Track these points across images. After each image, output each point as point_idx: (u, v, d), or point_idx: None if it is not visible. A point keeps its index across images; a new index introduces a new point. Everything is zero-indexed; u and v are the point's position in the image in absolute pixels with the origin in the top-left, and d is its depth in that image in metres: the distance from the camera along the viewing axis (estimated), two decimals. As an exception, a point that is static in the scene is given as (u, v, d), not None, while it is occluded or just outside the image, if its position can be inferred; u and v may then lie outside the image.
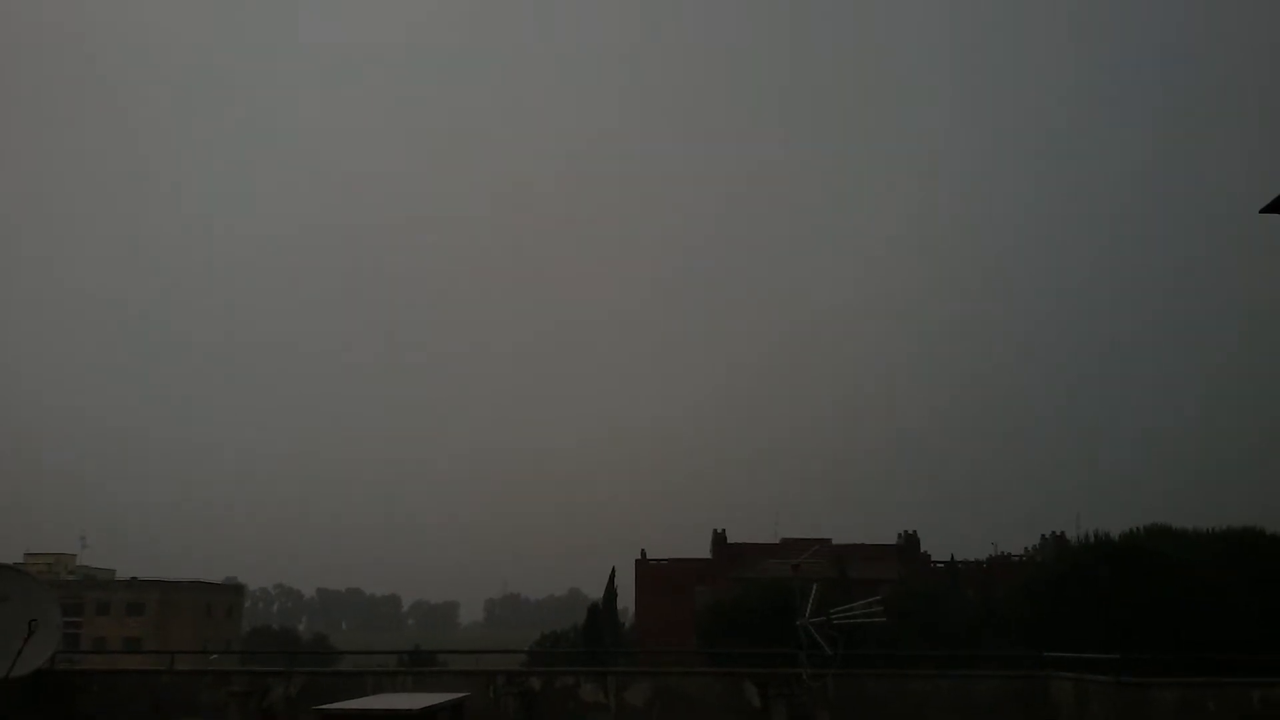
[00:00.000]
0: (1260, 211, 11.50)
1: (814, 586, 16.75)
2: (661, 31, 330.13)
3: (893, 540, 74.31)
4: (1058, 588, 33.27)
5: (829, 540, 68.19)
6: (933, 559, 72.11)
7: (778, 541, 70.49)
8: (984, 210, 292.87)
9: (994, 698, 16.05)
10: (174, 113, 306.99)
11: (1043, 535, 74.15)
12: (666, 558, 74.54)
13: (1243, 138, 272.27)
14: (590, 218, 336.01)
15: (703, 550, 74.57)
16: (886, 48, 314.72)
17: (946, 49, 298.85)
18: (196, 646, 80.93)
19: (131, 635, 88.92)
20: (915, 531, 73.99)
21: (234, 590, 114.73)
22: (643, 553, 74.27)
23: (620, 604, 72.23)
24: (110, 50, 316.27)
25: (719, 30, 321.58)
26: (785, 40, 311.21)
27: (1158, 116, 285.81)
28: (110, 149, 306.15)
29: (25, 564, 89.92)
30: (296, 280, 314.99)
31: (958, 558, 69.87)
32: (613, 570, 69.25)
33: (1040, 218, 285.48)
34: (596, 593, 70.10)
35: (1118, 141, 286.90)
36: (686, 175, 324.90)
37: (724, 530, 74.08)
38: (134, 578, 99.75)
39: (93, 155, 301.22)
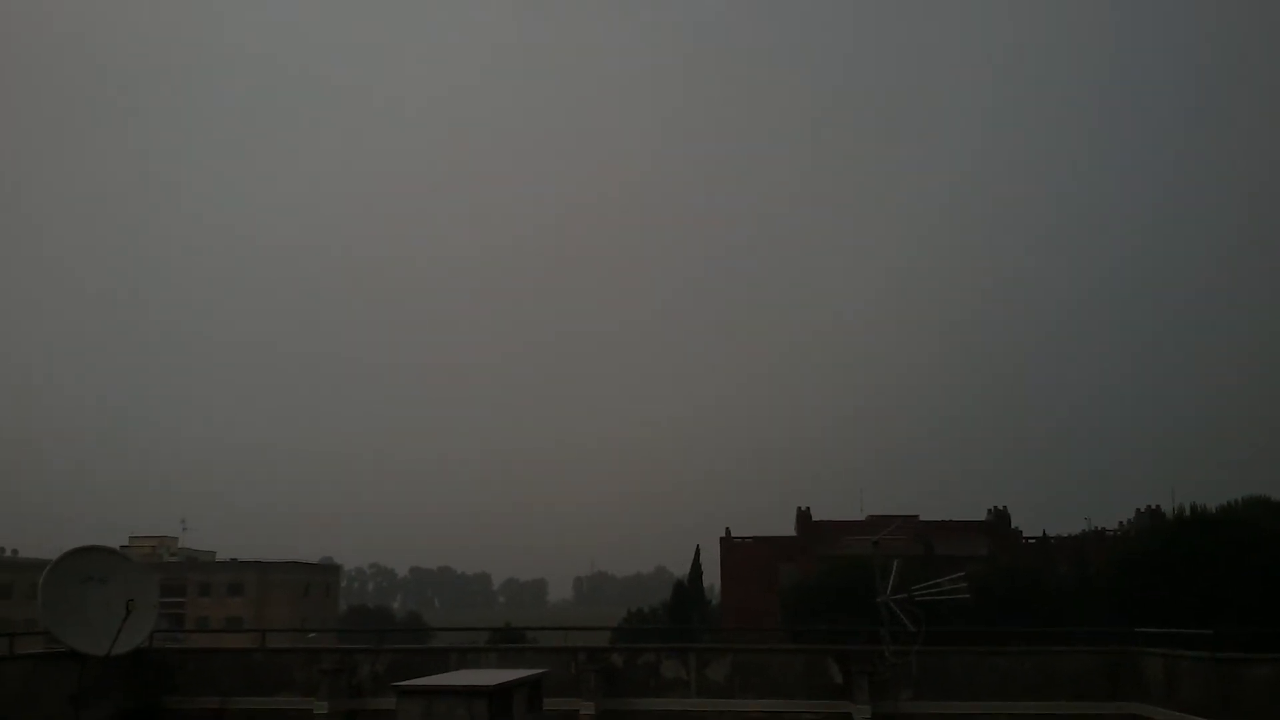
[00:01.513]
0: None
1: (894, 563, 16.55)
2: (696, 39, 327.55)
3: (982, 516, 73.17)
4: (1153, 562, 32.51)
5: (916, 517, 67.39)
6: (1024, 535, 70.86)
7: (863, 519, 69.86)
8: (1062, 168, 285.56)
9: (1081, 674, 15.74)
10: (191, 114, 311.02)
11: (1138, 509, 72.21)
12: (751, 536, 74.36)
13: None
14: (650, 213, 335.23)
15: (788, 528, 74.28)
16: (917, 54, 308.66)
17: (978, 56, 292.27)
18: (295, 625, 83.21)
19: (232, 615, 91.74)
20: (1005, 507, 72.71)
21: (330, 570, 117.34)
22: (727, 531, 74.22)
23: (706, 581, 72.34)
24: (114, 51, 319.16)
25: (752, 36, 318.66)
26: (817, 48, 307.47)
27: (1185, 114, 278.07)
28: (127, 153, 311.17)
29: (130, 547, 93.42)
30: (352, 280, 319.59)
31: (1050, 533, 68.57)
32: (697, 549, 69.36)
33: (1102, 185, 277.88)
34: (682, 570, 70.30)
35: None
36: (736, 163, 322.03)
37: (808, 508, 73.64)
38: (233, 559, 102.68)
39: (108, 160, 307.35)
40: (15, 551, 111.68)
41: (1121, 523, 74.37)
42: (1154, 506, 65.31)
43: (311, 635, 59.89)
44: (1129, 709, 15.19)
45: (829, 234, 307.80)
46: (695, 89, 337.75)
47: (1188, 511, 36.00)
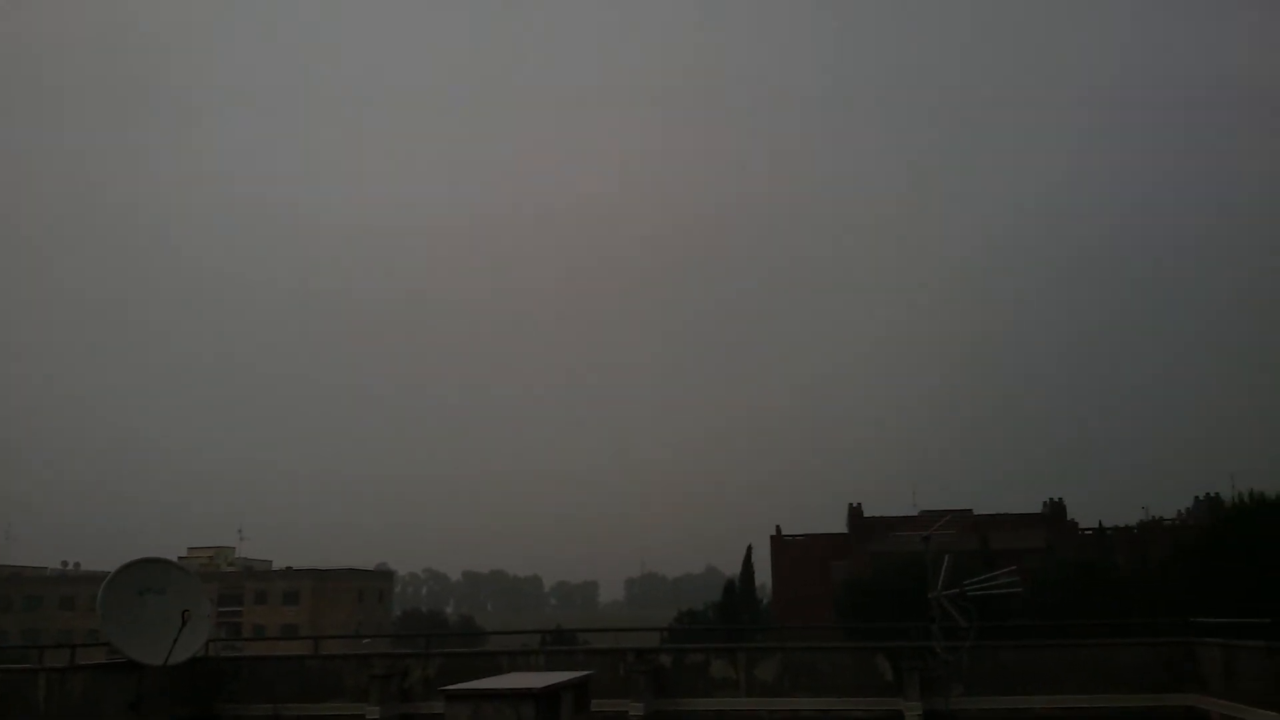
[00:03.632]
0: None
1: (945, 558, 16.42)
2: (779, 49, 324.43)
3: (1038, 509, 72.37)
4: (1211, 551, 31.93)
5: (970, 511, 66.80)
6: (1081, 526, 69.98)
7: (916, 514, 69.34)
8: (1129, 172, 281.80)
9: (1138, 666, 15.51)
10: (189, 108, 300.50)
11: (1196, 497, 71.22)
12: (802, 534, 74.10)
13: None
14: (704, 213, 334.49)
15: (839, 525, 73.93)
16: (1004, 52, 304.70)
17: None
18: (349, 631, 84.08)
19: (288, 622, 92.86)
20: (1061, 499, 71.92)
21: (384, 576, 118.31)
22: (778, 529, 74.00)
23: (758, 580, 72.16)
24: (133, 59, 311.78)
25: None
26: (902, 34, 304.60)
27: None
28: (115, 145, 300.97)
29: (188, 557, 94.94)
30: (450, 275, 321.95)
31: (1106, 524, 67.65)
32: (749, 548, 69.10)
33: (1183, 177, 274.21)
34: (733, 570, 70.13)
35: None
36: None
37: (859, 504, 73.25)
38: (289, 567, 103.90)
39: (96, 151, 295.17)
40: (78, 565, 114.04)
41: (1180, 512, 73.37)
42: (1213, 494, 64.24)
43: (366, 641, 60.53)
44: (1188, 700, 14.96)
45: (875, 240, 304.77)
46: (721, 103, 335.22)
47: (1247, 498, 35.28)
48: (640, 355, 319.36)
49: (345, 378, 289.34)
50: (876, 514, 72.53)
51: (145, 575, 16.10)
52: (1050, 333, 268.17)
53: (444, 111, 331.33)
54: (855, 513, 73.10)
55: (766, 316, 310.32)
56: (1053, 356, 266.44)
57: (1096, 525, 67.99)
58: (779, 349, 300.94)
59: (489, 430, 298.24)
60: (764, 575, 73.43)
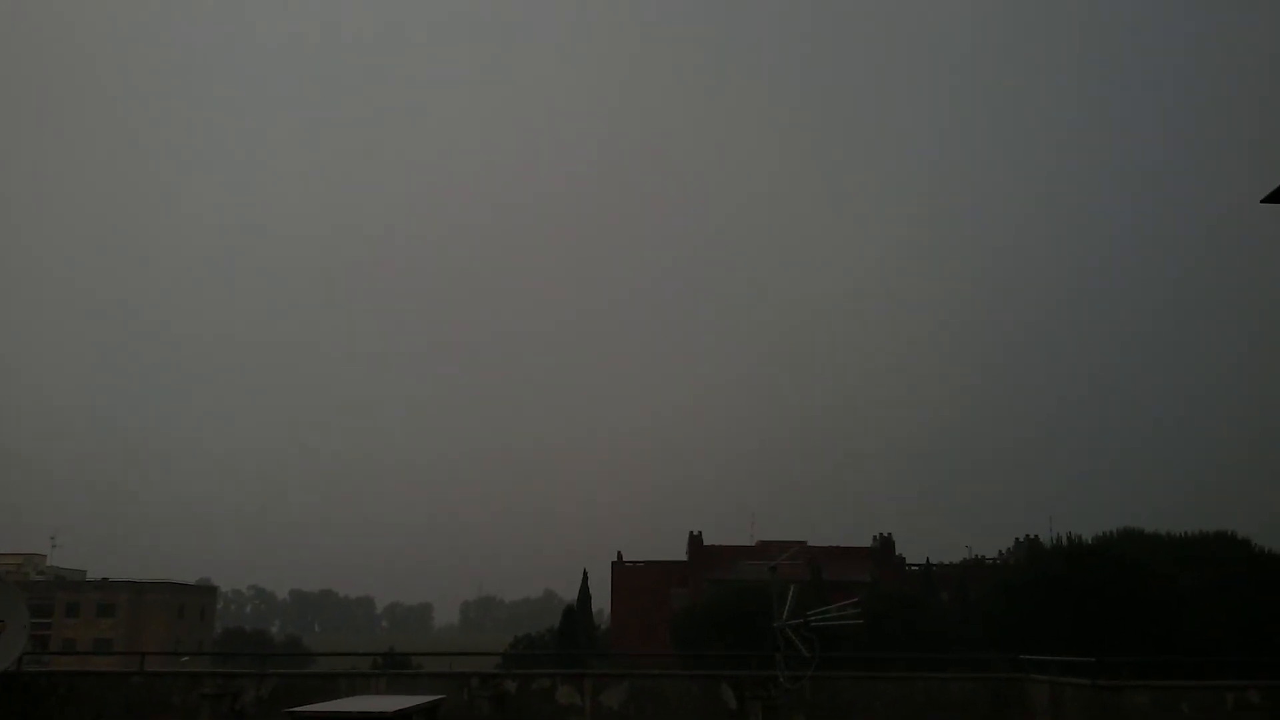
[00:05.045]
0: (1261, 201, 11.39)
1: (791, 588, 16.70)
2: (664, 30, 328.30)
3: (868, 543, 74.59)
4: (1031, 590, 33.46)
5: (804, 543, 68.38)
6: (908, 562, 72.46)
7: (754, 544, 70.66)
8: (976, 223, 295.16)
9: (969, 699, 16.08)
10: (174, 112, 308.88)
11: (1017, 539, 74.74)
12: (642, 560, 74.47)
13: (1247, 136, 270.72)
14: (579, 222, 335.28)
15: (679, 553, 74.59)
16: (891, 48, 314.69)
17: (952, 48, 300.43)
18: (168, 648, 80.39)
19: (102, 636, 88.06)
20: (890, 534, 74.34)
21: (207, 591, 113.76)
22: (619, 555, 74.19)
23: (596, 606, 72.13)
24: (111, 48, 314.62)
25: (722, 28, 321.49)
26: (791, 38, 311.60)
27: (1162, 116, 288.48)
28: (108, 147, 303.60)
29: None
30: (280, 279, 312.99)
31: (932, 561, 70.26)
32: (585, 572, 68.99)
33: (1029, 229, 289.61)
34: (571, 595, 69.91)
35: (1121, 142, 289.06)
36: (681, 177, 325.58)
37: (700, 533, 74.07)
38: (105, 578, 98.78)
39: (89, 153, 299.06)
40: None
41: (1001, 551, 76.85)
42: (1032, 536, 67.56)
43: (185, 659, 57.94)
44: (1013, 733, 15.59)
45: (742, 271, 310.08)
46: (665, 82, 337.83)
47: (1064, 541, 37.16)
48: (484, 371, 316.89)
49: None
50: (716, 543, 73.52)
51: (-47, 583, 15.03)
52: (887, 382, 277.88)
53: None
54: (695, 541, 73.91)
55: (613, 340, 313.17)
56: (891, 402, 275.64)
57: (923, 562, 70.64)
58: (624, 376, 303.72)
59: (320, 445, 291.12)
60: (602, 601, 73.53)
